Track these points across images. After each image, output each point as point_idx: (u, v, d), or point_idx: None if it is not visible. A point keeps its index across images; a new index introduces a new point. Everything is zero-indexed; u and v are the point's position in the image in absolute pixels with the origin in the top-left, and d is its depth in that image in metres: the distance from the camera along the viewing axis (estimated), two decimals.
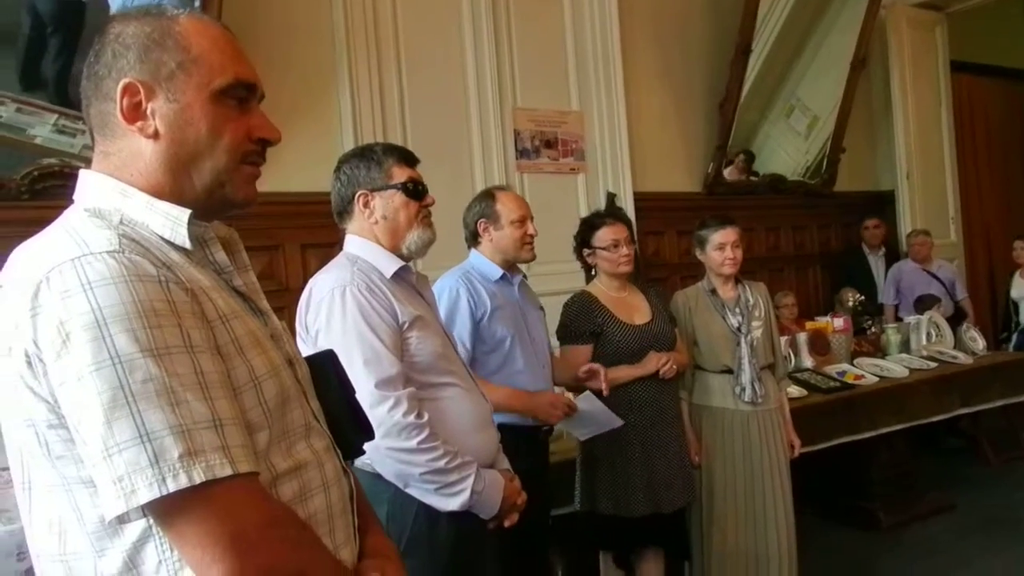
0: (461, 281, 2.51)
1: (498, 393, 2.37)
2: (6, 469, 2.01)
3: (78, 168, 3.17)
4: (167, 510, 0.86)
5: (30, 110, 3.06)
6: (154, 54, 0.99)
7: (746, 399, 2.98)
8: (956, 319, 5.35)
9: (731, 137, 5.23)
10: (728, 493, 3.00)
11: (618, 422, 2.65)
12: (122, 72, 0.99)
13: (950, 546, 3.91)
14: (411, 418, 1.77)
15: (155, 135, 1.00)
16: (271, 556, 0.89)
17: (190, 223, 1.00)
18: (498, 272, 2.59)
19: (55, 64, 3.07)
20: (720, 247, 3.05)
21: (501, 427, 2.13)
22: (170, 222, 1.00)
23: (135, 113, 0.99)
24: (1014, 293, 6.00)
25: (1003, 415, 5.04)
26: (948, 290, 5.64)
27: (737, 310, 3.07)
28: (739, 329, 3.03)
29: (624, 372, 2.80)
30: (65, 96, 3.08)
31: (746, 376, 2.99)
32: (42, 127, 3.08)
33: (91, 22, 3.08)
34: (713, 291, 3.12)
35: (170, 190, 1.01)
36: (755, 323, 3.06)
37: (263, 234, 3.49)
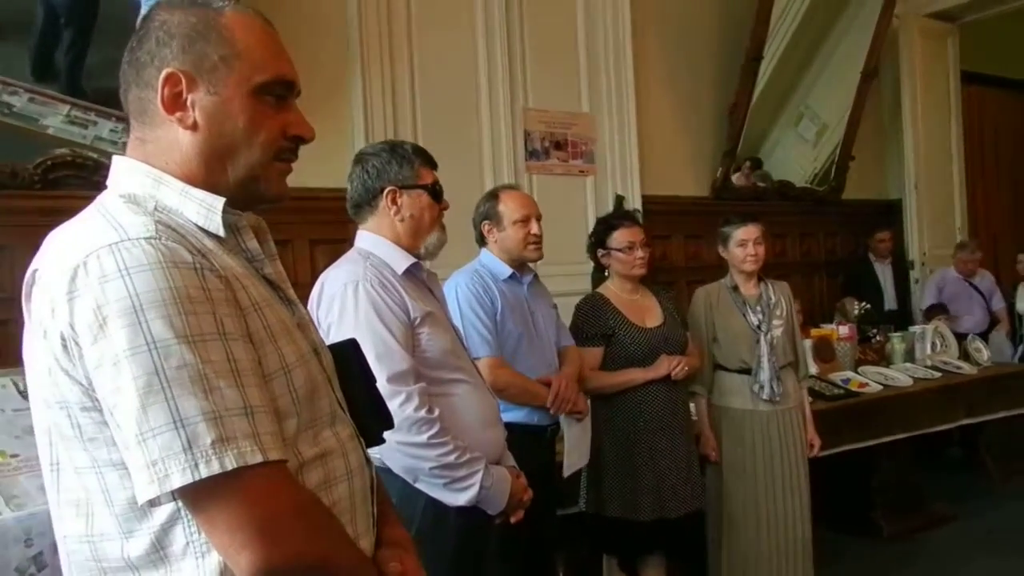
0: (474, 278, 2.53)
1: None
2: (16, 456, 2.02)
3: (90, 159, 3.17)
4: (198, 495, 0.87)
5: (42, 100, 3.06)
6: (198, 46, 1.00)
7: (764, 396, 2.98)
8: (991, 329, 5.38)
9: (740, 143, 5.22)
10: (749, 496, 3.00)
11: (585, 460, 2.70)
12: (165, 61, 1.00)
13: (953, 558, 3.90)
14: (422, 413, 1.79)
15: (194, 126, 1.01)
16: (298, 543, 0.90)
17: (224, 210, 1.01)
18: (507, 271, 2.60)
19: (67, 55, 3.08)
20: (742, 243, 3.06)
21: (508, 426, 2.15)
22: (204, 209, 1.01)
23: (175, 103, 1.00)
24: (1019, 305, 5.99)
25: (1005, 427, 5.02)
26: (987, 301, 5.64)
27: (758, 308, 3.07)
28: (759, 327, 3.03)
29: (635, 375, 2.81)
30: (77, 87, 3.08)
31: (764, 374, 2.98)
32: (54, 117, 3.08)
33: (104, 14, 3.09)
34: (735, 288, 3.12)
35: (203, 181, 1.02)
36: (776, 322, 3.05)
37: (273, 229, 3.46)
